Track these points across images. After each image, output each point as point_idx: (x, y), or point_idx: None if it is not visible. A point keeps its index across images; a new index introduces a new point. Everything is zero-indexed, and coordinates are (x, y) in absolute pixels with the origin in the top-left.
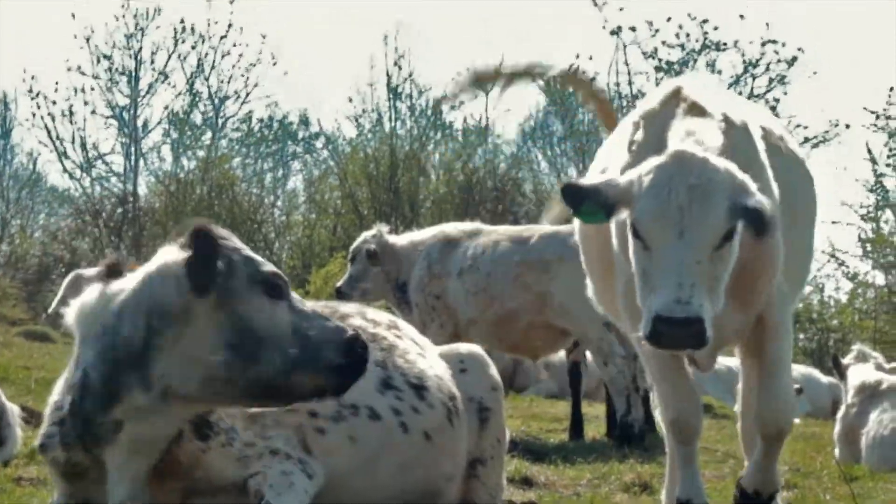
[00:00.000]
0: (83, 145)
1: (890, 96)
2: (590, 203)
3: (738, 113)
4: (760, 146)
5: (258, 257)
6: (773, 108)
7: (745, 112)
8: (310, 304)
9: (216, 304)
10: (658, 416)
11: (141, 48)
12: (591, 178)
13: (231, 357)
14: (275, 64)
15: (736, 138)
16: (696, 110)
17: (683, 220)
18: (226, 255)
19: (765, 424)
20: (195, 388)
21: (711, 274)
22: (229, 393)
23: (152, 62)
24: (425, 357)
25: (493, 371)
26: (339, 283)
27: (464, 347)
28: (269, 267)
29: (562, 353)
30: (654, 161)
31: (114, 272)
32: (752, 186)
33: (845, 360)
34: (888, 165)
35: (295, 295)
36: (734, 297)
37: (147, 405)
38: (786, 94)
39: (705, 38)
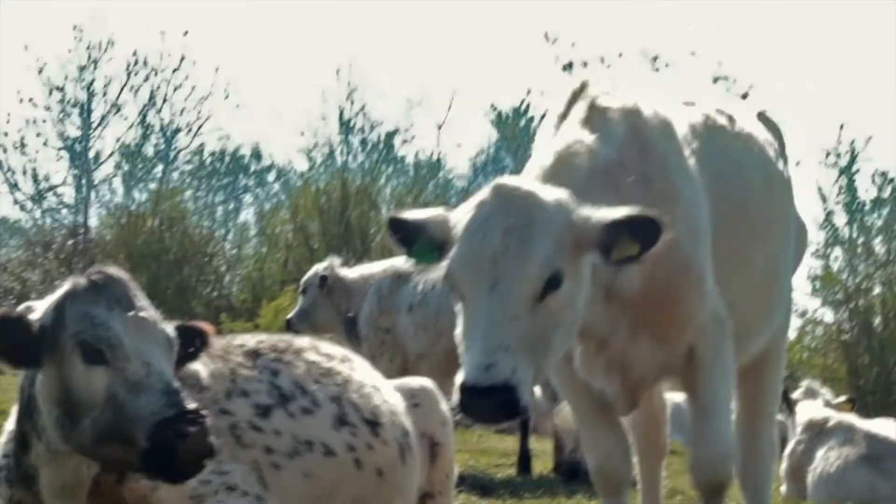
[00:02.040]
0: (34, 177)
1: (840, 133)
2: (422, 241)
3: (665, 110)
4: (684, 146)
5: (107, 315)
6: None
7: (678, 112)
8: (255, 341)
9: (50, 361)
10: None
11: (94, 80)
12: (420, 213)
13: (60, 415)
14: (227, 97)
15: (644, 133)
16: (596, 110)
17: (496, 269)
18: (60, 310)
19: (698, 477)
20: (56, 441)
21: (537, 331)
22: (80, 452)
23: (105, 94)
24: (380, 391)
25: (444, 406)
26: (289, 316)
27: (415, 382)
28: (102, 330)
29: None
30: (478, 196)
31: None
32: (597, 216)
33: (794, 396)
34: (837, 203)
35: (151, 360)
36: (649, 328)
37: (45, 453)
38: None
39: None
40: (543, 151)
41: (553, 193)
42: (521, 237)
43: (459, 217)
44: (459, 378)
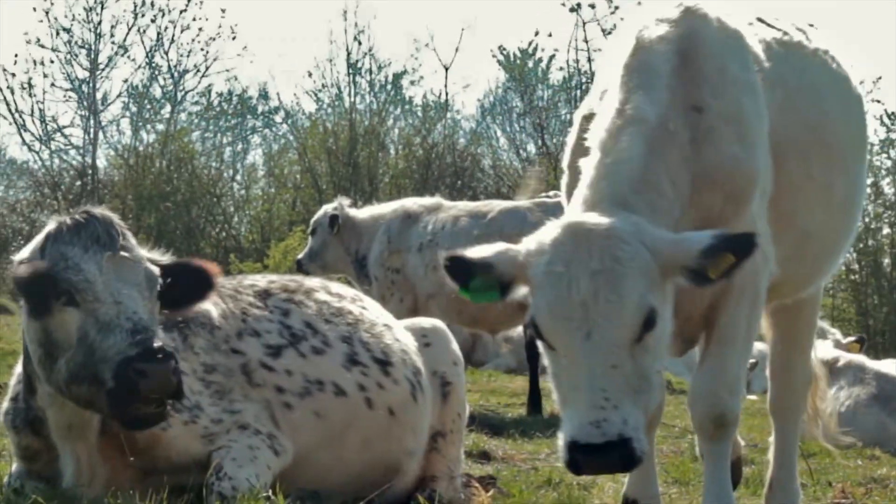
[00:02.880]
0: (42, 118)
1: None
2: (481, 278)
3: (736, 22)
4: (755, 62)
5: (81, 256)
6: None
7: (753, 26)
8: (266, 281)
9: None
10: None
11: (100, 21)
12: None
13: (42, 355)
14: (234, 38)
15: (699, 44)
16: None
17: (589, 316)
18: (41, 251)
19: (697, 408)
20: (43, 382)
21: (638, 372)
22: (59, 392)
23: (112, 36)
24: (391, 330)
25: (455, 346)
26: (299, 256)
27: (427, 322)
28: (72, 273)
29: (521, 328)
30: (550, 232)
31: None
32: (687, 243)
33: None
34: None
35: (123, 298)
36: None
37: (50, 394)
38: None
39: None
40: (596, 129)
41: (630, 223)
42: (609, 280)
43: (532, 258)
44: (567, 436)
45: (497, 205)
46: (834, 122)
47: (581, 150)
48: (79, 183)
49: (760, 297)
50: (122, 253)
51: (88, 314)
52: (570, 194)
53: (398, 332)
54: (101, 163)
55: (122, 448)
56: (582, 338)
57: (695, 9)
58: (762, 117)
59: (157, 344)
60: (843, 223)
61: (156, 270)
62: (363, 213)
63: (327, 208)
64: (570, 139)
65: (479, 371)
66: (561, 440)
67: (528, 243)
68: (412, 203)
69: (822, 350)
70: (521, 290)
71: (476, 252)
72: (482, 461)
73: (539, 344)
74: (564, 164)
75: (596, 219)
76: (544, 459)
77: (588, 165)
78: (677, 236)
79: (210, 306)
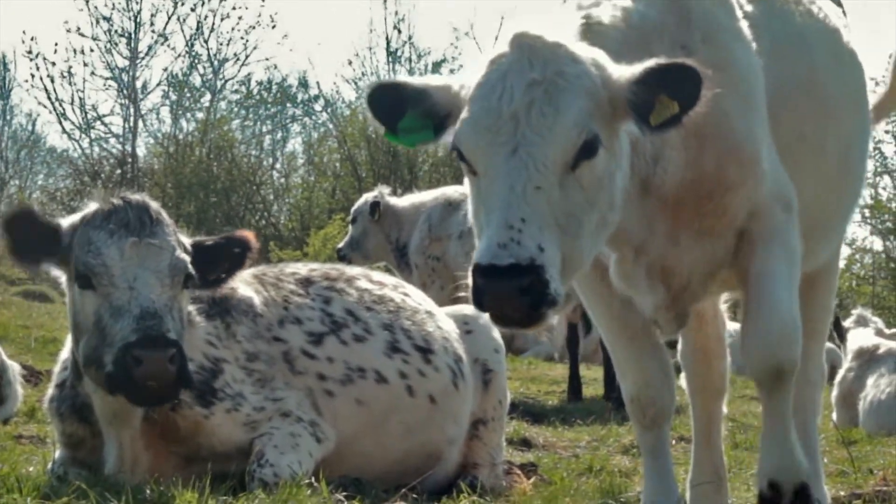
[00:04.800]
0: (82, 106)
1: (889, 61)
2: (413, 114)
3: None
4: (737, 8)
5: (103, 241)
6: None
7: None
8: (307, 269)
9: (68, 282)
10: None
11: (140, 10)
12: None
13: (73, 337)
14: (274, 27)
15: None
16: None
17: (518, 130)
18: (73, 233)
19: (753, 358)
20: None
21: (566, 208)
22: (84, 374)
23: (152, 24)
24: (433, 318)
25: (497, 333)
26: (339, 245)
27: (468, 309)
28: (91, 256)
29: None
30: (494, 51)
31: None
32: (630, 71)
33: (845, 324)
34: (887, 132)
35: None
36: (693, 224)
37: (90, 380)
38: None
39: None
40: (568, 10)
41: (582, 48)
42: (548, 91)
43: (467, 79)
44: (472, 260)
45: None
46: (825, 76)
47: None
48: (119, 171)
49: (794, 243)
50: (149, 240)
51: (104, 298)
52: None
53: (440, 320)
54: (141, 151)
55: (164, 435)
56: (507, 153)
57: None
58: (754, 69)
59: (160, 331)
60: (838, 188)
61: (186, 259)
62: (403, 201)
63: (367, 197)
64: None
65: (520, 359)
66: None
67: (471, 70)
68: (453, 191)
69: (863, 337)
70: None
71: (403, 79)
72: (523, 449)
73: (464, 171)
74: None
75: (545, 33)
76: (585, 447)
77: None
78: (627, 67)
79: (252, 294)
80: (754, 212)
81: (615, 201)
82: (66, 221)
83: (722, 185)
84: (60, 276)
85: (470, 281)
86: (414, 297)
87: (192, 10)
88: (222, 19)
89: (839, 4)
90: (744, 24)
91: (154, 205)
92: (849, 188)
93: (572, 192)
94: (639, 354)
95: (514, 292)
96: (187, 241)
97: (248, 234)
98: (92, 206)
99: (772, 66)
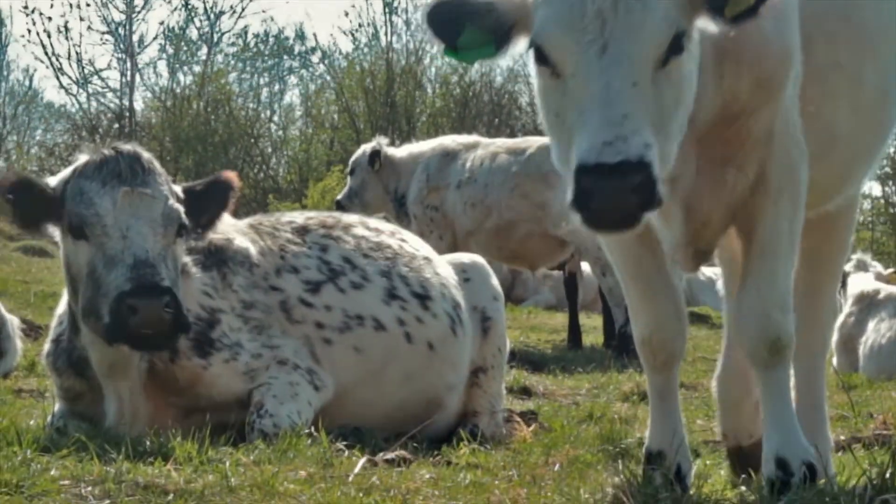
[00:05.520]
0: (79, 61)
1: None
2: (473, 29)
3: None
4: None
5: (96, 190)
6: None
7: None
8: (304, 217)
9: (62, 235)
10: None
11: None
12: None
13: (69, 289)
14: None
15: None
16: None
17: (606, 28)
18: (65, 184)
19: (747, 332)
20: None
21: (658, 105)
22: (84, 327)
23: None
24: (430, 264)
25: (495, 281)
26: (338, 197)
27: (466, 257)
28: (83, 207)
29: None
30: None
31: None
32: None
33: (845, 268)
34: None
35: (130, 231)
36: (718, 152)
37: (88, 332)
38: None
39: None
40: None
41: None
42: None
43: None
44: (573, 164)
45: (535, 141)
46: (863, 2)
47: None
48: (116, 126)
49: (801, 196)
50: (141, 189)
51: (98, 248)
52: None
53: (438, 266)
54: (139, 105)
55: (163, 387)
56: (596, 51)
57: None
58: None
59: (154, 279)
60: (875, 119)
61: (179, 208)
62: (401, 151)
63: (365, 148)
64: None
65: (520, 308)
66: (569, 178)
67: None
68: (450, 141)
69: (863, 282)
70: (521, 42)
71: None
72: (523, 397)
73: (536, 81)
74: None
75: None
76: (585, 394)
77: None
78: None
79: (248, 244)
80: (773, 150)
81: (691, 102)
82: (57, 177)
83: (749, 108)
84: (56, 232)
85: (573, 187)
86: (411, 244)
87: None
88: None
89: None
90: None
91: (146, 154)
92: (886, 120)
93: (664, 89)
94: (653, 296)
95: (625, 191)
96: (179, 189)
97: (231, 174)
98: (83, 158)
99: None
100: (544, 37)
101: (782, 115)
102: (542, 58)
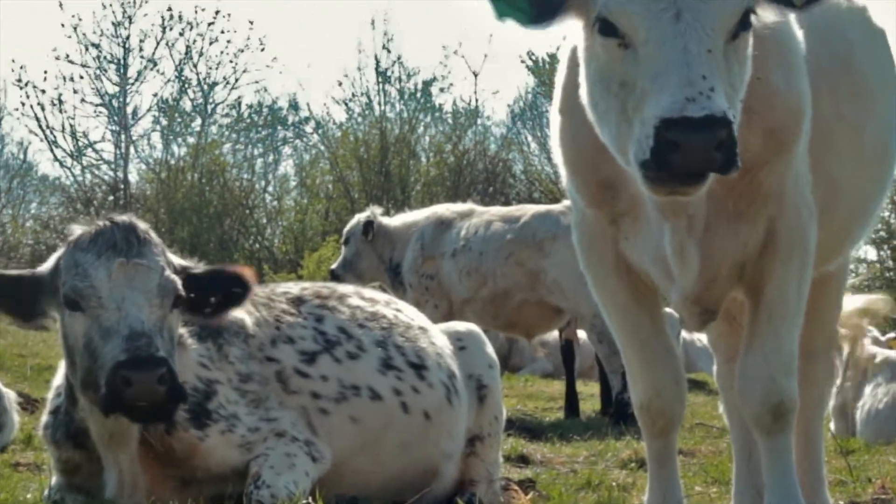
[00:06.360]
0: (73, 134)
1: None
2: None
3: None
4: None
5: (89, 264)
6: None
7: None
8: (299, 288)
9: (57, 309)
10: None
11: (129, 36)
12: None
13: (67, 362)
14: (263, 50)
15: None
16: None
17: None
18: (59, 259)
19: (750, 396)
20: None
21: (728, 78)
22: (83, 399)
23: (140, 50)
24: (426, 333)
25: (490, 349)
26: (333, 266)
27: (461, 325)
28: (79, 279)
29: (556, 333)
30: None
31: None
32: None
33: (842, 332)
34: None
35: (128, 306)
36: (729, 203)
37: (87, 404)
38: None
39: None
40: None
41: None
42: None
43: None
44: (652, 122)
45: (530, 209)
46: (860, 54)
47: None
48: (111, 198)
49: (810, 257)
50: (136, 259)
51: (93, 320)
52: (565, 140)
53: (433, 336)
54: (133, 177)
55: (160, 459)
56: (670, 18)
57: None
58: (796, 38)
59: (150, 351)
60: (875, 173)
61: (176, 279)
62: (396, 220)
63: (360, 217)
64: (561, 78)
65: (516, 376)
66: (641, 135)
67: None
68: (445, 209)
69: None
70: (568, 21)
71: None
72: (521, 465)
73: (597, 53)
74: (555, 108)
75: None
76: (583, 462)
77: None
78: None
79: (244, 315)
80: (783, 199)
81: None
82: (51, 258)
83: (760, 160)
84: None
85: (652, 141)
86: (406, 313)
87: (181, 34)
88: (211, 43)
89: None
90: None
91: (142, 225)
92: (885, 174)
93: (733, 63)
94: (652, 361)
95: (710, 145)
96: (178, 260)
97: (246, 271)
98: (77, 231)
99: (810, 41)
100: (613, 5)
101: (794, 171)
102: (607, 29)
